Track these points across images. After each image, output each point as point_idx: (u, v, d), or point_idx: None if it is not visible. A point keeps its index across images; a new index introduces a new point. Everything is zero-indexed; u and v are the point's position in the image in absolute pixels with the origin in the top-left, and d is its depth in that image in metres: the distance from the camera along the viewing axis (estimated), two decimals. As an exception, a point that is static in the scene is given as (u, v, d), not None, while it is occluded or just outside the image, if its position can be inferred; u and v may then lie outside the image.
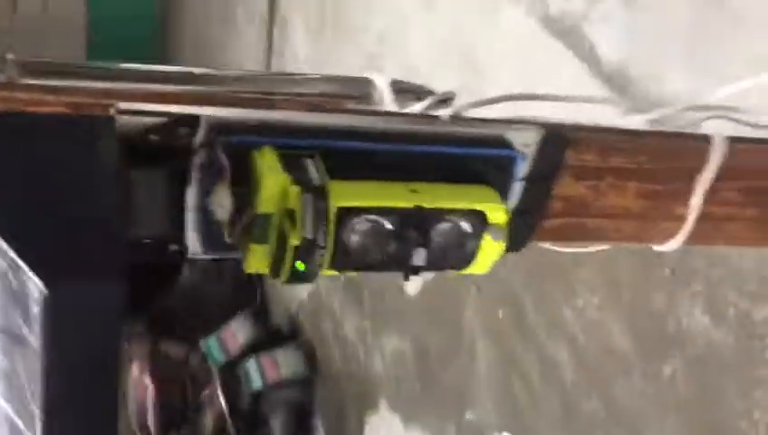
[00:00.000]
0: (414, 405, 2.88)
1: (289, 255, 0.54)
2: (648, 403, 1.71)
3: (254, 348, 3.65)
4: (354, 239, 0.57)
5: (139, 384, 3.64)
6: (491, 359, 2.36)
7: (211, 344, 3.69)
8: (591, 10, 1.85)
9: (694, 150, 0.71)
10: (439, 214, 0.59)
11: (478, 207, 0.60)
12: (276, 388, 3.47)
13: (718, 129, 0.74)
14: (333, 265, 0.57)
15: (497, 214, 0.60)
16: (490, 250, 0.61)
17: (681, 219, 0.75)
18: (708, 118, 0.71)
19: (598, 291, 1.90)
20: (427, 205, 0.58)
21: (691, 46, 1.54)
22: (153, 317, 4.10)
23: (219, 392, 3.46)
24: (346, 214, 0.56)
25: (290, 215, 0.54)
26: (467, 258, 0.61)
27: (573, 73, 1.85)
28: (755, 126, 0.73)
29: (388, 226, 0.57)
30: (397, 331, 3.01)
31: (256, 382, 3.55)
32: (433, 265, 0.60)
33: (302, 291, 3.79)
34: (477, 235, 0.60)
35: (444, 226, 0.59)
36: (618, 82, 1.67)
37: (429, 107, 0.72)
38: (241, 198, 0.56)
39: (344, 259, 0.57)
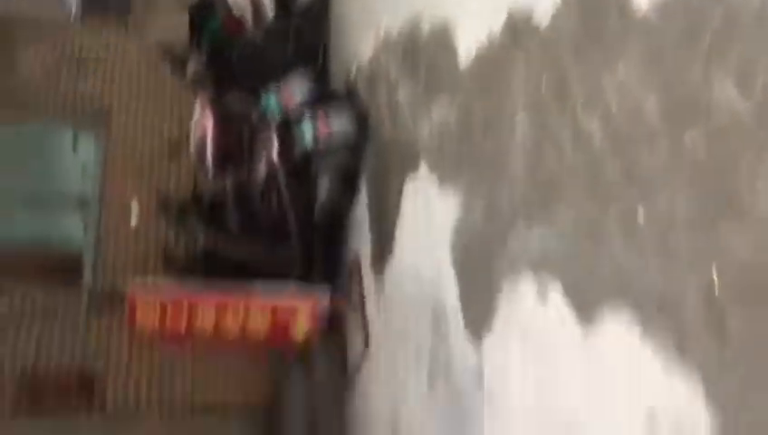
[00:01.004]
0: (451, 169, 2.97)
1: None
2: (666, 169, 1.75)
3: (309, 105, 3.75)
4: None
5: (200, 124, 3.81)
6: (527, 128, 2.39)
7: (271, 97, 3.81)
8: None
9: None
10: None
11: None
12: (326, 141, 3.59)
13: None
14: None
15: None
16: None
17: None
18: None
19: (639, 64, 1.89)
20: None
21: None
22: (220, 73, 4.23)
23: (274, 138, 3.59)
24: None
25: None
26: None
27: None
28: None
29: None
30: (447, 99, 3.05)
31: (309, 139, 3.69)
32: None
33: (364, 55, 3.81)
34: None
35: None
36: None
37: None
38: None
39: None
